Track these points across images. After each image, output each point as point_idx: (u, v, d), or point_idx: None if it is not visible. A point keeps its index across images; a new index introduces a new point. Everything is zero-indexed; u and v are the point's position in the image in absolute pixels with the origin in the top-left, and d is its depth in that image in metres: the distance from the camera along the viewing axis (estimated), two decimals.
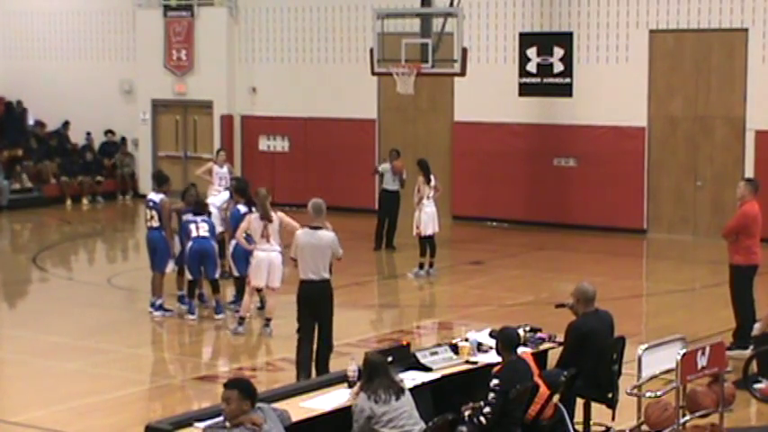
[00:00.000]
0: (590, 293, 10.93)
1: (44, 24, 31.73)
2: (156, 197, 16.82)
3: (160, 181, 17.18)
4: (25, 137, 30.80)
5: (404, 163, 22.36)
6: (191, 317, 16.61)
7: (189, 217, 16.65)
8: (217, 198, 18.75)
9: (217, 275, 16.86)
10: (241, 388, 8.15)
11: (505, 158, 25.41)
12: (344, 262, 14.04)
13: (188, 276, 16.61)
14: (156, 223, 16.74)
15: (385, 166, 22.57)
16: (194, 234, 16.45)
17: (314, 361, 12.98)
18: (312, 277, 12.68)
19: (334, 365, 13.72)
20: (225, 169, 21.04)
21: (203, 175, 21.12)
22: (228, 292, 17.61)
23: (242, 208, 16.46)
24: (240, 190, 16.97)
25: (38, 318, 17.28)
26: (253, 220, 15.48)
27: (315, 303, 12.79)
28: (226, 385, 8.28)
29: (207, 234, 16.55)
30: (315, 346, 12.96)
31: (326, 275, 12.78)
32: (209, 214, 17.13)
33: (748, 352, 13.84)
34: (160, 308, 16.85)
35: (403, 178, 22.19)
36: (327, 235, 12.81)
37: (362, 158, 23.35)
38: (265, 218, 15.38)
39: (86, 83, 30.86)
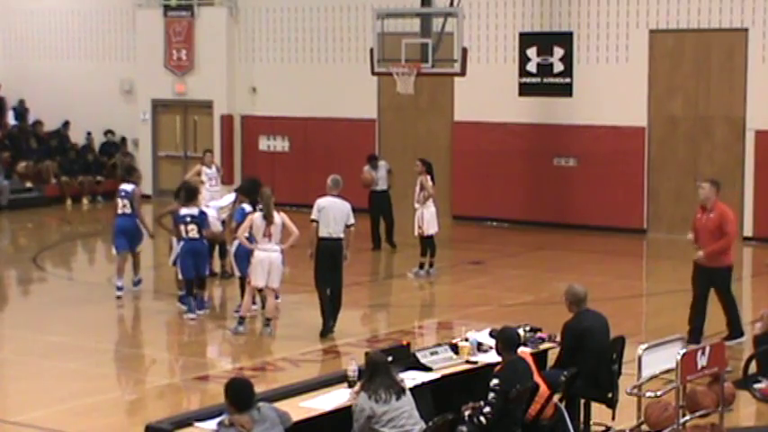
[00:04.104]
0: (581, 294, 11.04)
1: (44, 24, 31.72)
2: (127, 187, 18.07)
3: (130, 172, 18.97)
4: None
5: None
6: (191, 316, 16.61)
7: (181, 213, 16.60)
8: (222, 201, 18.69)
9: (207, 272, 17.02)
10: (226, 395, 8.31)
11: (505, 158, 25.40)
12: None
13: (179, 276, 16.67)
14: (128, 210, 17.87)
15: (370, 170, 22.46)
16: (183, 235, 16.48)
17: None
18: (332, 234, 15.37)
19: (335, 366, 13.81)
20: (213, 169, 21.17)
21: (193, 178, 21.08)
22: (229, 291, 17.60)
23: (247, 207, 16.39)
24: (247, 192, 16.87)
25: (38, 318, 17.25)
26: (255, 219, 15.46)
27: (331, 256, 15.41)
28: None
29: (197, 236, 16.54)
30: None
31: (341, 235, 15.44)
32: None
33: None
34: (120, 289, 17.70)
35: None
36: (346, 203, 15.67)
37: (362, 158, 23.31)
38: (268, 218, 15.37)
39: (86, 83, 30.83)
